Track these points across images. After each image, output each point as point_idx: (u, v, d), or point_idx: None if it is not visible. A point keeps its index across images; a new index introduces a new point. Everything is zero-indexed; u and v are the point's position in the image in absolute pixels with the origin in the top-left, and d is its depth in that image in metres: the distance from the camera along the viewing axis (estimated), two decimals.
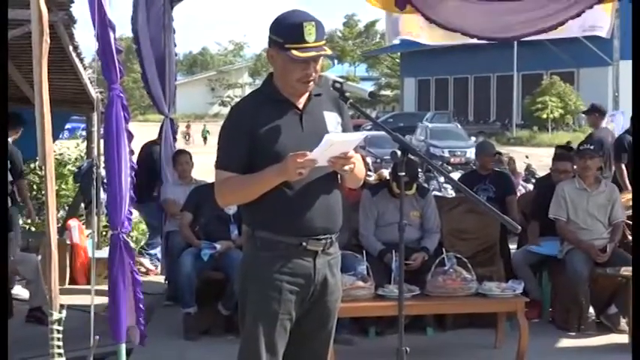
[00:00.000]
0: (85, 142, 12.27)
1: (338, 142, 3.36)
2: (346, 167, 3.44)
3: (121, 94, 5.41)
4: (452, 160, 27.40)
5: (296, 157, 3.30)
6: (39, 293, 7.38)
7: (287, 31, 3.47)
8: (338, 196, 3.63)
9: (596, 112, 10.51)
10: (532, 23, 7.59)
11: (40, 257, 7.98)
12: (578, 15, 7.35)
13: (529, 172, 15.40)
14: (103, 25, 5.20)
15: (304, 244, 3.53)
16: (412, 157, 4.97)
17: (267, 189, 3.44)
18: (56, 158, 11.08)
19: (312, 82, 3.53)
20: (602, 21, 8.53)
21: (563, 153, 8.35)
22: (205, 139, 38.72)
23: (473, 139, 31.05)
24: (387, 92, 64.57)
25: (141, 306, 5.57)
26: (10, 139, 8.23)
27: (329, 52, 3.53)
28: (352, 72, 68.58)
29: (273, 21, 3.55)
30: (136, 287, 5.53)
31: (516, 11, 7.38)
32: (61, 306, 4.52)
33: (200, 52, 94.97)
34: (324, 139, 3.32)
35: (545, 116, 38.82)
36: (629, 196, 8.10)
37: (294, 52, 3.43)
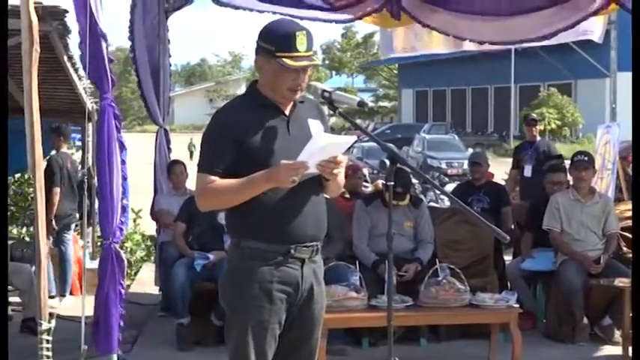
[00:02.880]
0: (80, 153, 12.24)
1: (327, 143, 3.32)
2: (335, 171, 3.39)
3: (113, 104, 5.42)
4: (449, 171, 27.34)
5: (289, 165, 3.28)
6: (32, 304, 7.34)
7: (279, 39, 3.45)
8: (323, 202, 3.62)
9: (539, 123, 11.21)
10: (531, 30, 7.59)
11: (33, 268, 7.96)
12: (578, 23, 7.36)
13: None
14: (94, 35, 5.20)
15: (292, 251, 3.50)
16: (403, 167, 4.95)
17: (254, 194, 3.41)
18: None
19: (299, 91, 3.52)
20: (594, 26, 8.60)
21: (555, 164, 8.34)
22: (192, 153, 34.98)
23: (470, 150, 31.04)
24: (385, 103, 64.59)
25: (121, 323, 5.55)
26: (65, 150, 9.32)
27: (318, 62, 3.52)
28: (350, 83, 68.62)
29: (262, 29, 3.53)
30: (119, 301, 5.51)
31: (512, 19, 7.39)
32: (51, 315, 4.51)
33: (198, 64, 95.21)
34: (312, 139, 3.31)
35: (542, 128, 38.81)
36: (623, 207, 8.11)
37: (287, 60, 3.42)
